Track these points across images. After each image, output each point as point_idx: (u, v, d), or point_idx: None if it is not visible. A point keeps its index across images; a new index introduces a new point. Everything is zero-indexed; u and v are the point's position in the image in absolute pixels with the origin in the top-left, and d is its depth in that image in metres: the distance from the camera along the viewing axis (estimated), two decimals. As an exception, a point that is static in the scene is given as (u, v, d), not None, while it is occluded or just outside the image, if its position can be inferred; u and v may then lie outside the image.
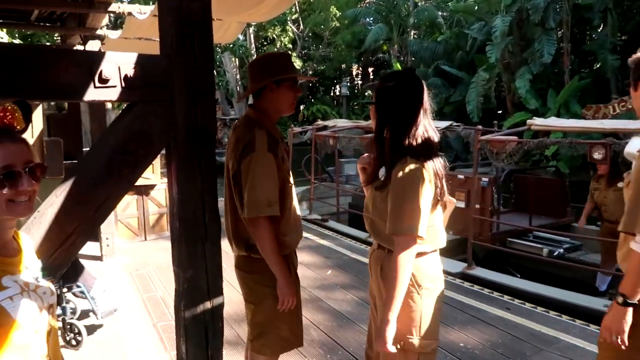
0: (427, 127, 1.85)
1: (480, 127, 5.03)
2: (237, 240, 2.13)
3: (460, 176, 5.93)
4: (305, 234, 6.17)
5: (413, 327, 1.81)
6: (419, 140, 1.80)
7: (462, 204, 5.82)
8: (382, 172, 1.85)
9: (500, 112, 19.04)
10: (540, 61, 16.12)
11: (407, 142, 1.79)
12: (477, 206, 5.67)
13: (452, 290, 4.59)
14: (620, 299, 1.64)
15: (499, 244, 5.89)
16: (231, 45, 22.74)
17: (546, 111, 15.95)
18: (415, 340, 1.81)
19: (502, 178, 6.47)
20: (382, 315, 1.73)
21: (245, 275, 2.16)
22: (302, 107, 27.43)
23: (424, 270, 1.84)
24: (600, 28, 17.92)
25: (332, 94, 32.24)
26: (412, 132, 1.81)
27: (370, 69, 31.06)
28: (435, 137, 1.86)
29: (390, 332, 1.71)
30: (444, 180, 1.83)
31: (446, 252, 6.10)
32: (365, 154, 2.06)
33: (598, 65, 16.55)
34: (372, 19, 26.59)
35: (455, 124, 6.53)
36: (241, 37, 23.91)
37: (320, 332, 3.72)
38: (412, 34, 24.39)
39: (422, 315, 1.83)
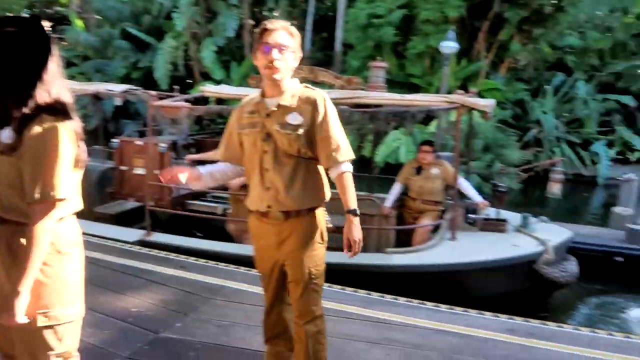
0: (61, 84, 1.70)
1: (153, 92, 5.00)
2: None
3: (139, 142, 5.82)
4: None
5: (52, 296, 1.69)
6: (55, 97, 1.63)
7: (141, 171, 5.74)
8: (5, 133, 1.63)
9: (189, 81, 19.40)
10: (224, 34, 17.00)
11: (39, 98, 1.60)
12: (157, 172, 5.68)
13: (127, 257, 4.52)
14: (355, 213, 2.16)
15: (180, 208, 6.06)
16: None
17: (230, 82, 17.04)
18: (55, 311, 1.70)
19: (183, 143, 6.61)
20: (13, 288, 1.57)
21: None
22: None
23: (63, 235, 1.72)
24: (277, 11, 19.97)
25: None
26: (45, 87, 1.62)
27: (47, 23, 27.04)
28: (70, 97, 1.72)
29: (22, 304, 1.57)
30: (82, 142, 1.73)
31: (127, 221, 6.04)
32: None
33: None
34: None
35: (134, 87, 6.32)
36: None
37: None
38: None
39: (62, 284, 1.72)
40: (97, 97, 6.59)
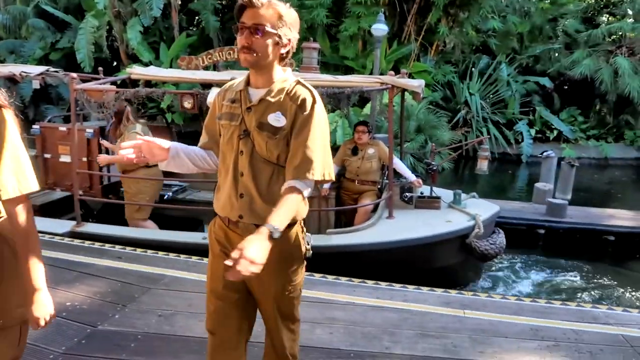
0: None
1: (75, 74, 4.71)
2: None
3: (63, 128, 5.49)
4: None
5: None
6: None
7: (67, 158, 5.43)
8: None
9: (115, 63, 18.46)
10: (150, 14, 16.27)
11: None
12: (85, 159, 5.40)
13: (58, 250, 4.30)
14: (272, 235, 1.57)
15: (114, 196, 5.82)
16: None
17: (159, 64, 16.39)
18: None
19: (108, 129, 6.31)
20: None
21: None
22: None
23: None
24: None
25: None
26: None
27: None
28: None
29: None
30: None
31: (55, 212, 5.72)
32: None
33: (203, 24, 17.92)
34: None
35: (53, 69, 5.93)
36: None
37: None
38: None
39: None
40: (12, 80, 6.13)
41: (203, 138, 2.00)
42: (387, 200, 5.14)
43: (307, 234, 1.95)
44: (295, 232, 1.88)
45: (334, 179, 1.83)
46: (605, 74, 15.40)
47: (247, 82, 1.85)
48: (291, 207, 1.69)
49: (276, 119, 1.76)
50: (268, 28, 1.70)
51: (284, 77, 1.82)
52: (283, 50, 1.79)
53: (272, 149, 1.78)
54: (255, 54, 1.72)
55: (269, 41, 1.73)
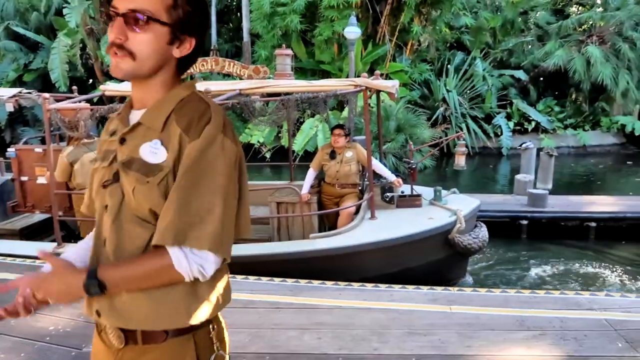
0: None
1: (47, 94, 4.66)
2: None
3: (39, 149, 5.42)
4: None
5: None
6: None
7: (45, 180, 5.36)
8: None
9: (91, 81, 18.27)
10: (124, 29, 16.14)
11: None
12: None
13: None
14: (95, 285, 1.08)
15: (94, 215, 5.74)
16: None
17: (136, 79, 16.27)
18: None
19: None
20: None
21: None
22: None
23: None
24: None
25: None
26: None
27: None
28: None
29: None
30: None
31: (35, 235, 5.63)
32: None
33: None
34: None
35: (26, 90, 5.85)
36: None
37: None
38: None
39: None
40: (-15, 105, 6.07)
41: (87, 200, 1.27)
42: (369, 201, 5.16)
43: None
44: (188, 348, 1.16)
45: (228, 259, 1.14)
46: (577, 63, 15.68)
47: (130, 102, 1.23)
48: (140, 274, 1.09)
49: (152, 151, 1.11)
50: (153, 15, 1.09)
51: (177, 91, 1.17)
52: (178, 54, 1.16)
53: (143, 199, 1.10)
54: (132, 58, 1.10)
55: (154, 37, 1.11)
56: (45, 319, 3.38)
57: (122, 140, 1.15)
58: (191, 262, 1.07)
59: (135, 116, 1.18)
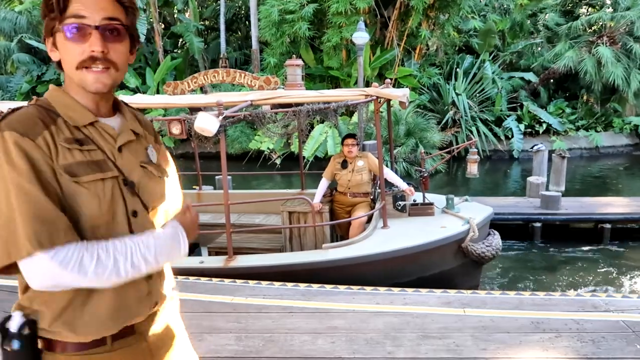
0: None
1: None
2: None
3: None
4: None
5: None
6: None
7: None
8: None
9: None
10: (135, 40, 16.38)
11: None
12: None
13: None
14: None
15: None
16: None
17: (147, 89, 16.47)
18: None
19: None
20: None
21: None
22: None
23: None
24: (187, 13, 19.53)
25: None
26: None
27: None
28: None
29: None
30: None
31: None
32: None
33: (187, 46, 18.04)
34: None
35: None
36: None
37: None
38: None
39: None
40: None
41: (60, 232, 1.02)
42: (381, 210, 5.13)
43: None
44: None
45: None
46: (588, 64, 15.56)
47: (96, 112, 1.18)
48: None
49: (154, 155, 1.31)
50: (124, 23, 1.11)
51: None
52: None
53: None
54: (115, 69, 1.11)
55: (126, 45, 1.14)
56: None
57: (121, 148, 1.17)
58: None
59: (115, 123, 1.19)
